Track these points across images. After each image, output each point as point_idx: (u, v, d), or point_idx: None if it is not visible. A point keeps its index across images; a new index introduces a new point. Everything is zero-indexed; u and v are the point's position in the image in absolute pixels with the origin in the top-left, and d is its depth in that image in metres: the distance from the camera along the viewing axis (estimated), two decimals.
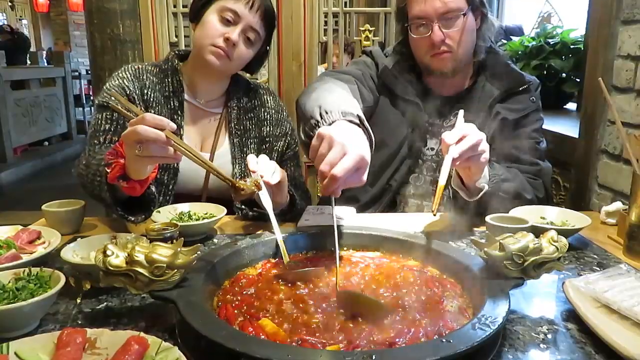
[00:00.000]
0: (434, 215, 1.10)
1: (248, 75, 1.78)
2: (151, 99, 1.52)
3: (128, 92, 1.49)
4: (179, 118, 1.55)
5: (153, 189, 1.28)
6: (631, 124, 1.59)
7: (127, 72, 1.54)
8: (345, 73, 1.61)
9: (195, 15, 1.53)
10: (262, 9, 1.50)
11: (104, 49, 2.58)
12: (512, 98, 1.59)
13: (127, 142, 1.06)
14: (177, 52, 1.64)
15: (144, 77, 1.55)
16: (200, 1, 1.52)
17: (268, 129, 1.67)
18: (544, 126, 1.65)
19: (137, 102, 1.49)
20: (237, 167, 1.60)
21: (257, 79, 2.69)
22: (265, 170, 1.25)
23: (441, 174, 1.16)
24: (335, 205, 1.08)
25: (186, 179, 1.53)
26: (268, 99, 1.71)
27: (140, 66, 1.58)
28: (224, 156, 1.61)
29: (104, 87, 1.53)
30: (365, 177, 1.03)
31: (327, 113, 1.14)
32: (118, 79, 1.52)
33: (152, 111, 1.50)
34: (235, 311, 0.86)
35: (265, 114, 1.68)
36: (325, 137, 1.02)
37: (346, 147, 0.99)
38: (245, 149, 1.63)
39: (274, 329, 0.79)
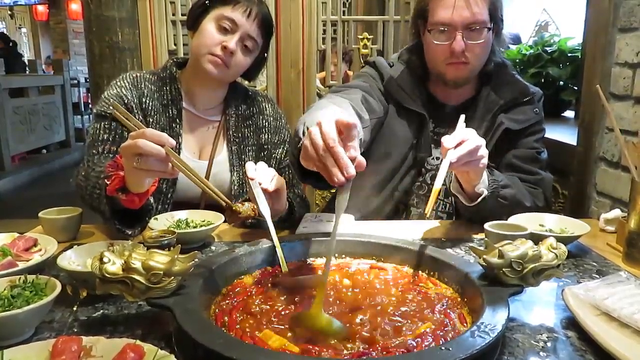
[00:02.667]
0: (427, 217, 1.11)
1: (246, 82, 1.78)
2: (150, 108, 1.52)
3: (126, 101, 1.49)
4: (177, 126, 1.55)
5: (151, 200, 1.28)
6: (629, 131, 1.59)
7: (125, 81, 1.54)
8: (351, 87, 1.60)
9: (193, 23, 1.54)
10: (259, 17, 1.50)
11: (102, 57, 2.59)
12: (516, 109, 1.59)
13: (126, 154, 1.07)
14: (175, 60, 1.63)
15: (142, 85, 1.54)
16: (198, 9, 1.52)
17: (266, 136, 1.67)
18: None
19: (136, 111, 1.49)
20: (235, 174, 1.60)
21: (255, 87, 2.70)
22: (264, 177, 1.25)
23: (437, 178, 1.16)
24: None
25: (185, 187, 1.52)
26: (266, 106, 1.71)
27: (138, 74, 1.58)
28: (222, 164, 1.61)
29: (102, 96, 1.53)
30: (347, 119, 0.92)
31: (308, 128, 1.06)
32: (116, 88, 1.52)
33: (151, 119, 1.50)
34: (235, 316, 0.86)
35: (264, 121, 1.68)
36: (306, 139, 0.96)
37: (319, 122, 0.93)
38: (243, 157, 1.62)
39: (278, 341, 0.78)
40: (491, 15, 1.50)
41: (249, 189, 1.22)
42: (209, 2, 1.51)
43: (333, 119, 0.91)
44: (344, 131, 0.91)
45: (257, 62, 1.61)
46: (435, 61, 1.57)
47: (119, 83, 1.54)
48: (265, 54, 1.63)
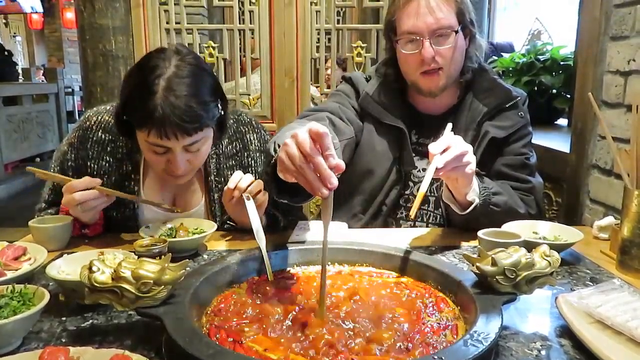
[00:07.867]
0: (412, 218, 1.11)
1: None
2: (95, 171, 1.42)
3: (69, 165, 1.45)
4: (132, 182, 1.45)
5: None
6: (621, 139, 1.59)
7: (74, 137, 1.46)
8: (321, 110, 1.57)
9: (127, 135, 1.38)
10: (180, 127, 1.23)
11: (96, 65, 2.58)
12: (501, 115, 1.56)
13: (69, 207, 1.28)
14: None
15: (90, 143, 1.44)
16: (122, 126, 1.36)
17: (254, 177, 1.44)
18: (534, 141, 1.65)
19: (77, 175, 1.38)
20: (218, 224, 1.46)
21: (249, 95, 2.70)
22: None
23: (423, 181, 1.18)
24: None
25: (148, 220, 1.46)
26: (251, 138, 1.56)
27: (93, 123, 1.46)
28: (200, 215, 1.51)
29: (54, 155, 1.51)
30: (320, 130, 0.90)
31: (279, 146, 1.03)
32: (65, 146, 1.47)
33: (100, 179, 1.34)
34: (224, 327, 0.85)
35: (249, 159, 1.54)
36: (281, 151, 0.96)
37: (294, 134, 0.93)
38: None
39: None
40: (459, 19, 1.48)
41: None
42: (125, 117, 1.33)
43: (306, 129, 0.91)
44: (318, 140, 0.90)
45: (218, 127, 1.42)
46: (408, 72, 1.54)
47: (70, 137, 1.48)
48: (221, 112, 1.38)
